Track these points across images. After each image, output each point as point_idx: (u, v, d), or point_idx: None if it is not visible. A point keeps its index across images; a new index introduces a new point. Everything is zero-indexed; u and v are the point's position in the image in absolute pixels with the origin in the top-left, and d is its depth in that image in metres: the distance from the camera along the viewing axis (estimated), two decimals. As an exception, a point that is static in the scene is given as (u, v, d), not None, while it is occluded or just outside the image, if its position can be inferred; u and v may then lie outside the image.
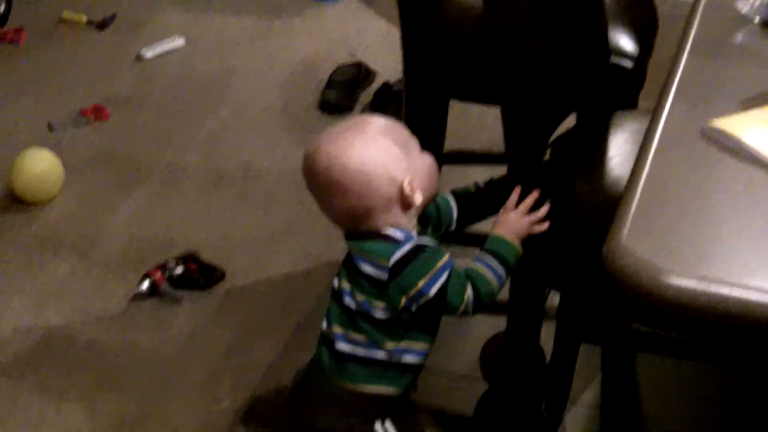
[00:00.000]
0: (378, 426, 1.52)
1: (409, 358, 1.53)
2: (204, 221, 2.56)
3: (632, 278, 1.07)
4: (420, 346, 1.54)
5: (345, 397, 1.52)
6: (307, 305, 2.24)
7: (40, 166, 2.61)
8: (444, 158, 2.35)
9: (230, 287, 2.34)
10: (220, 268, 2.37)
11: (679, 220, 1.15)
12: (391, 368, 1.51)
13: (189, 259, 2.37)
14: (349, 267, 1.52)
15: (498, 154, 2.35)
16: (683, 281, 1.05)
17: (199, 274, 2.35)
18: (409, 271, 1.44)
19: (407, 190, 1.47)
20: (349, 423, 1.52)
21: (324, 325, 1.56)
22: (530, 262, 1.56)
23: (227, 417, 1.99)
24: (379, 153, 1.47)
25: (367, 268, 1.47)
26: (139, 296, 2.30)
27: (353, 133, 1.49)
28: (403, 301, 1.45)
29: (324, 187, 1.48)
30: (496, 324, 2.11)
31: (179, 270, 2.34)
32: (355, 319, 1.50)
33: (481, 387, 2.01)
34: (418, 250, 1.45)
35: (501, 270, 1.48)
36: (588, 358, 2.05)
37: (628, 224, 1.13)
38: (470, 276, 1.47)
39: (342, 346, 1.51)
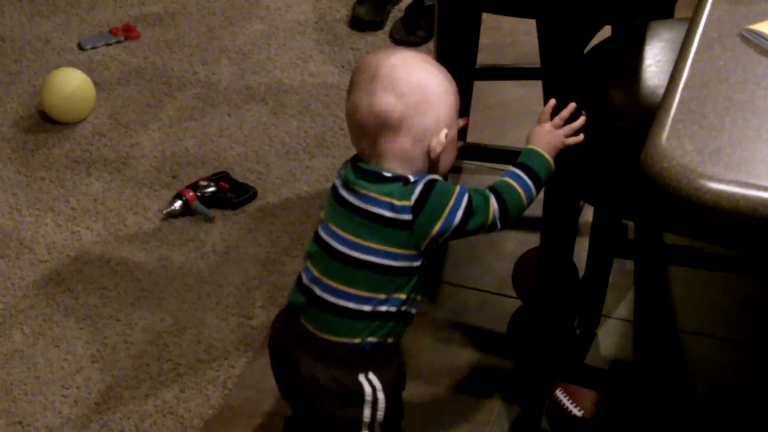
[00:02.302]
0: (362, 378, 1.45)
1: (407, 308, 1.47)
2: (236, 137, 2.54)
3: (671, 183, 1.04)
4: (419, 296, 1.49)
5: (328, 348, 1.46)
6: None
7: (72, 85, 2.60)
8: (476, 73, 2.32)
9: (262, 205, 2.34)
10: (251, 187, 2.37)
11: (719, 124, 1.12)
12: (384, 319, 1.45)
13: (221, 177, 2.37)
14: (352, 212, 1.44)
15: (530, 68, 2.33)
16: (723, 186, 1.03)
17: (231, 193, 2.35)
18: (432, 204, 1.40)
19: (442, 138, 1.43)
20: (332, 374, 1.45)
21: (305, 275, 1.48)
22: (564, 175, 1.52)
23: (260, 332, 2.00)
24: (442, 88, 1.44)
25: (385, 212, 1.41)
26: (172, 214, 2.30)
27: (427, 59, 1.47)
28: (430, 236, 1.40)
29: (376, 88, 1.42)
30: (529, 240, 2.11)
31: (211, 189, 2.34)
32: (352, 270, 1.43)
33: (514, 303, 2.01)
34: (431, 183, 1.41)
35: (531, 184, 1.45)
36: (621, 274, 2.05)
37: (667, 129, 1.10)
38: (498, 189, 1.44)
39: (330, 297, 1.45)
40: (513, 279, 2.00)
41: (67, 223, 2.31)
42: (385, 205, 1.41)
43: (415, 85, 1.42)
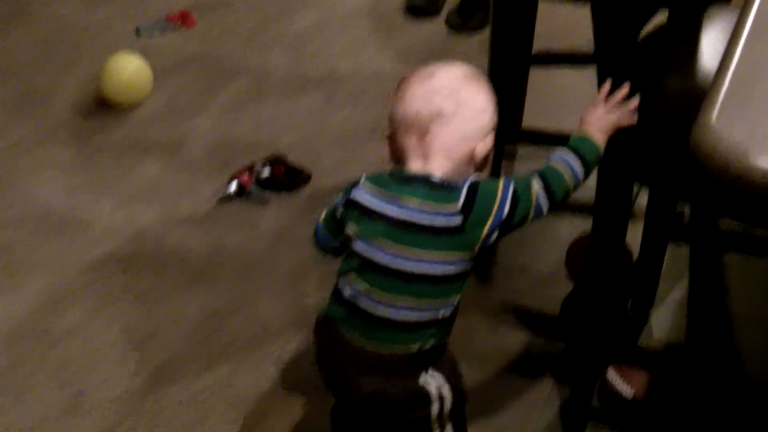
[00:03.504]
0: (423, 378, 1.45)
1: (455, 310, 1.47)
2: (290, 123, 2.57)
3: (720, 163, 1.04)
4: (461, 294, 1.47)
5: (385, 362, 1.44)
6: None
7: (129, 70, 2.64)
8: (532, 60, 2.32)
9: (316, 188, 2.37)
10: (306, 171, 2.39)
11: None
12: (443, 323, 1.45)
13: (276, 161, 2.40)
14: (396, 226, 1.42)
15: (586, 55, 2.32)
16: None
17: (286, 177, 2.38)
18: (479, 204, 1.39)
19: (489, 141, 1.46)
20: (397, 385, 1.45)
21: (347, 291, 1.46)
22: (618, 157, 1.53)
23: (315, 311, 2.01)
24: (489, 98, 1.48)
25: (435, 221, 1.40)
26: (227, 198, 2.34)
27: (475, 71, 1.50)
28: (483, 236, 1.40)
29: (433, 87, 1.45)
30: (582, 224, 2.10)
31: (266, 172, 2.37)
32: (409, 284, 1.41)
33: (567, 287, 2.02)
34: (475, 184, 1.41)
35: (578, 168, 1.45)
36: (675, 258, 2.04)
37: (716, 109, 1.09)
38: (541, 173, 1.44)
39: (384, 312, 1.42)
40: (566, 262, 2.01)
41: (123, 205, 2.35)
42: (433, 215, 1.40)
43: (474, 87, 1.46)
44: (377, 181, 1.47)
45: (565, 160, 1.45)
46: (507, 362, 1.91)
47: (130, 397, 1.88)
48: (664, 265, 1.97)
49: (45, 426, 1.83)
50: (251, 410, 1.84)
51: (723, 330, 1.92)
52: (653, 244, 1.85)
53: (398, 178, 1.45)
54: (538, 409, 1.81)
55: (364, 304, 1.44)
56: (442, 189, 1.41)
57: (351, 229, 1.47)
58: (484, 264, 2.11)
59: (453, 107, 1.43)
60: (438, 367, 1.47)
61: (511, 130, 2.31)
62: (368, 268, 1.44)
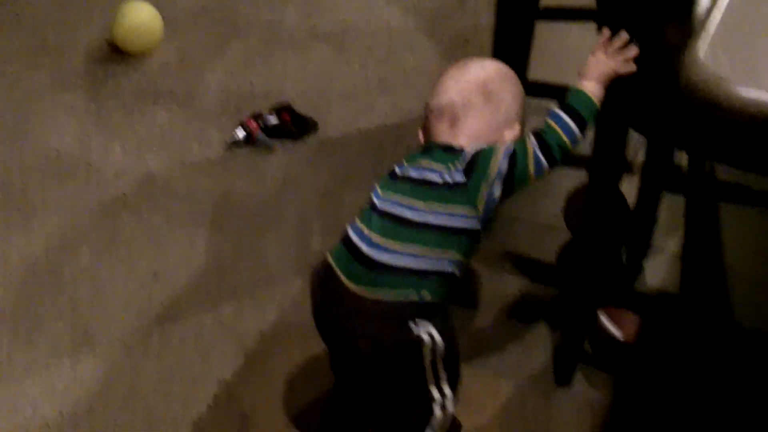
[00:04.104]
0: (414, 326, 1.49)
1: (456, 270, 1.52)
2: (299, 75, 2.61)
3: (705, 92, 1.08)
4: (465, 259, 1.53)
5: (381, 308, 1.49)
6: (398, 156, 2.27)
7: (141, 17, 2.68)
8: (538, 13, 2.35)
9: (323, 138, 2.40)
10: (313, 120, 2.43)
11: (755, 42, 1.15)
12: (440, 277, 1.50)
13: (283, 110, 2.44)
14: (412, 183, 1.53)
15: (592, 9, 2.34)
16: (754, 92, 1.06)
17: (293, 125, 2.41)
18: (481, 163, 1.50)
19: (516, 130, 1.57)
20: (391, 331, 1.49)
21: (354, 237, 1.52)
22: (615, 106, 1.56)
23: (317, 258, 2.05)
24: (518, 92, 1.61)
25: (441, 178, 1.51)
26: (235, 144, 2.38)
27: (506, 67, 1.64)
28: (484, 192, 1.48)
29: (469, 77, 1.58)
30: (582, 177, 2.13)
31: (274, 120, 2.41)
32: (415, 232, 1.49)
33: (565, 237, 2.06)
34: (480, 149, 1.52)
35: (572, 123, 1.50)
36: (672, 209, 2.08)
37: (704, 42, 1.13)
38: (540, 131, 1.51)
39: (388, 258, 1.48)
40: (564, 213, 2.04)
41: (134, 150, 2.40)
42: (441, 173, 1.51)
43: (504, 83, 1.59)
44: (409, 157, 1.59)
45: (561, 118, 1.51)
46: (504, 308, 1.95)
47: (136, 335, 1.93)
48: (660, 215, 2.01)
49: (55, 362, 1.89)
50: (253, 350, 1.89)
51: (716, 279, 1.95)
52: (649, 193, 1.89)
53: (423, 149, 1.58)
54: (533, 353, 1.85)
55: (366, 249, 1.50)
56: (453, 152, 1.54)
57: (376, 188, 1.58)
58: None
59: (483, 99, 1.56)
60: (432, 322, 1.51)
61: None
62: (377, 216, 1.52)
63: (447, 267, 1.50)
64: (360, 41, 2.72)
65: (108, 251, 2.13)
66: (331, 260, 1.54)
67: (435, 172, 1.52)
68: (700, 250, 2.00)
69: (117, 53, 2.70)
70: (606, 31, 1.57)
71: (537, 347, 1.86)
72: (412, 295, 1.48)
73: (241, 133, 2.38)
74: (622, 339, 1.77)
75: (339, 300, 1.51)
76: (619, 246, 1.93)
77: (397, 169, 1.58)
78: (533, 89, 2.33)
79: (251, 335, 1.92)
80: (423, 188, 1.52)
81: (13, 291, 2.04)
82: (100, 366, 1.87)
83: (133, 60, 2.67)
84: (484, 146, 1.53)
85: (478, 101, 1.56)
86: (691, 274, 1.96)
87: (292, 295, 1.99)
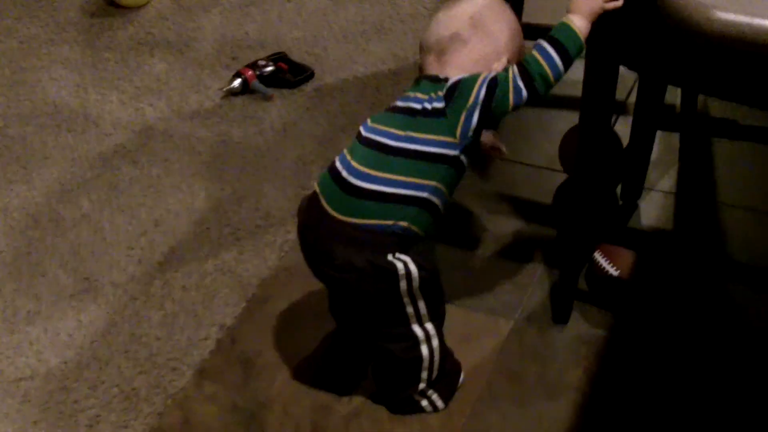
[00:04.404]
0: (390, 257, 1.52)
1: (438, 201, 1.55)
2: (295, 22, 2.62)
3: (684, 15, 1.13)
4: (451, 192, 1.56)
5: (359, 234, 1.52)
6: (393, 100, 2.29)
7: (136, -32, 2.69)
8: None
9: (320, 85, 2.42)
10: (309, 67, 2.44)
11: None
12: (417, 205, 1.52)
13: (280, 58, 2.45)
14: (397, 111, 1.56)
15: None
16: (730, 15, 1.10)
17: (289, 73, 2.43)
18: (461, 90, 1.51)
19: (504, 61, 1.57)
20: (365, 257, 1.52)
21: (338, 164, 1.56)
22: (603, 39, 1.56)
23: (315, 202, 2.08)
24: (514, 27, 1.62)
25: (422, 105, 1.53)
26: (232, 92, 2.39)
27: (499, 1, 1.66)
28: (462, 119, 1.50)
29: (457, 11, 1.61)
30: (576, 118, 2.15)
31: (270, 68, 2.42)
32: (392, 158, 1.52)
33: (561, 178, 2.08)
34: (460, 78, 1.54)
35: (557, 57, 1.50)
36: (667, 148, 2.09)
37: None
38: (523, 62, 1.52)
39: (366, 184, 1.51)
40: (559, 154, 2.06)
41: (132, 101, 2.41)
42: (422, 101, 1.54)
43: (493, 15, 1.60)
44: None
45: (544, 49, 1.52)
46: (500, 247, 1.98)
47: (137, 282, 1.96)
48: (655, 154, 2.02)
49: (56, 308, 1.91)
50: (253, 294, 1.92)
51: (710, 218, 1.97)
52: (642, 132, 1.90)
53: (414, 83, 1.60)
54: (529, 291, 1.87)
55: (347, 175, 1.53)
56: (436, 81, 1.55)
57: (367, 121, 1.60)
58: (482, 156, 2.17)
59: (470, 30, 1.58)
60: (408, 253, 1.54)
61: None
62: (361, 145, 1.56)
63: (427, 195, 1.52)
64: (355, -12, 2.72)
65: (108, 200, 2.15)
66: (317, 187, 1.58)
67: (418, 101, 1.54)
68: (694, 186, 2.02)
69: (112, 6, 2.71)
70: None
71: (533, 286, 1.88)
72: (390, 223, 1.51)
73: (237, 82, 2.39)
74: (616, 275, 1.79)
75: (320, 224, 1.55)
76: (613, 184, 1.95)
77: (392, 104, 1.61)
78: (527, 32, 2.35)
79: (252, 280, 1.94)
80: (403, 116, 1.55)
81: (16, 240, 2.07)
82: (102, 313, 1.90)
83: (128, 12, 2.68)
84: (467, 75, 1.54)
85: (465, 33, 1.58)
86: (685, 211, 1.98)
87: (291, 239, 2.01)
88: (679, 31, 1.11)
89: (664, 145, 2.07)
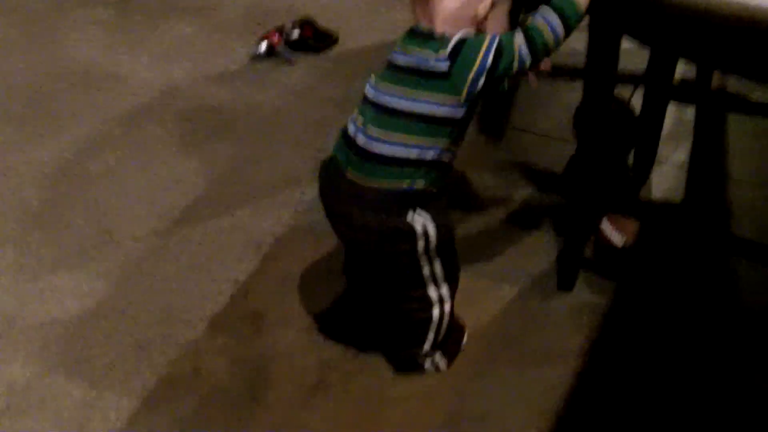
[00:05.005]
0: (410, 215, 1.57)
1: (447, 158, 1.58)
2: (320, -11, 2.67)
3: None
4: (457, 148, 1.58)
5: (375, 196, 1.56)
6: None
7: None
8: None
9: (342, 50, 2.46)
10: (334, 33, 2.48)
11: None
12: (428, 166, 1.55)
13: (305, 24, 2.49)
14: (398, 71, 1.56)
15: None
16: None
17: (314, 39, 2.47)
18: (465, 52, 1.51)
19: (487, 3, 1.53)
20: (382, 219, 1.56)
21: (351, 128, 1.60)
22: (606, 10, 1.57)
23: (331, 164, 2.13)
24: None
25: (426, 64, 1.53)
26: (257, 57, 2.44)
27: None
28: (468, 82, 1.50)
29: None
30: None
31: (295, 34, 2.47)
32: (400, 121, 1.55)
33: (573, 147, 2.10)
34: (464, 38, 1.52)
35: (558, 25, 1.52)
36: (680, 121, 2.11)
37: None
38: (527, 29, 1.52)
39: (378, 147, 1.55)
40: (573, 124, 2.08)
41: (159, 62, 2.47)
42: (426, 60, 1.52)
43: None
44: (401, 38, 1.59)
45: (545, 18, 1.53)
46: (510, 215, 2.01)
47: (155, 236, 2.01)
48: (669, 128, 2.04)
49: (78, 259, 1.97)
50: (266, 251, 1.97)
51: (719, 191, 1.99)
52: (653, 102, 1.92)
53: (410, 33, 1.58)
54: (535, 258, 1.91)
55: (361, 140, 1.56)
56: (438, 40, 1.53)
57: (372, 77, 1.60)
58: (496, 125, 2.20)
59: None
60: (426, 209, 1.57)
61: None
62: (369, 106, 1.58)
63: (436, 155, 1.55)
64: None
65: (133, 157, 2.21)
66: (333, 150, 1.62)
67: (421, 60, 1.54)
68: (706, 161, 2.04)
69: (144, -31, 2.77)
70: None
71: (540, 253, 1.91)
72: (404, 184, 1.54)
73: (263, 47, 2.44)
74: (621, 244, 1.82)
75: (338, 187, 1.59)
76: (623, 154, 1.98)
77: (391, 56, 1.59)
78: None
79: (266, 237, 1.99)
80: (408, 76, 1.55)
81: (43, 191, 2.13)
82: (121, 265, 1.95)
83: (160, -26, 2.74)
84: (470, 36, 1.53)
85: None
86: (695, 185, 2.00)
87: (304, 201, 2.06)
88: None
89: (677, 119, 2.09)
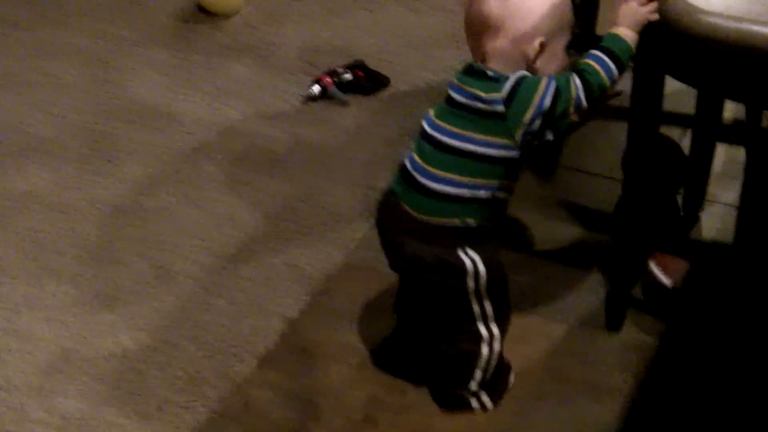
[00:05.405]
0: (460, 252, 1.59)
1: (503, 195, 1.60)
2: (374, 31, 2.72)
3: (675, 16, 1.42)
4: (514, 184, 1.60)
5: (428, 229, 1.59)
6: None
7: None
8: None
9: (394, 91, 2.50)
10: (385, 76, 2.53)
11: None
12: (481, 204, 1.58)
13: (357, 66, 2.54)
14: (454, 107, 1.58)
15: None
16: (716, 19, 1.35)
17: (366, 81, 2.52)
18: (522, 94, 1.52)
19: (535, 45, 1.55)
20: (434, 252, 1.59)
21: (408, 161, 1.63)
22: (649, 48, 1.59)
23: (382, 203, 2.16)
24: (543, 4, 1.56)
25: (481, 105, 1.54)
26: (310, 98, 2.49)
27: None
28: (523, 124, 1.52)
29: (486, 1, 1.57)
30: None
31: (348, 76, 2.51)
32: (453, 158, 1.57)
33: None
34: (521, 77, 1.54)
35: (612, 65, 1.54)
36: (732, 160, 2.11)
37: None
38: (580, 69, 1.54)
39: (431, 183, 1.58)
40: (622, 164, 2.09)
41: (214, 102, 2.52)
42: (481, 99, 1.55)
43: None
44: (458, 73, 1.62)
45: (600, 59, 1.55)
46: (559, 254, 2.03)
47: (208, 272, 2.05)
48: (719, 167, 2.04)
49: (133, 294, 2.01)
50: (316, 288, 1.99)
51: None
52: (701, 142, 1.93)
53: (468, 69, 1.61)
54: (584, 297, 1.92)
55: (415, 173, 1.60)
56: (492, 80, 1.56)
57: (431, 111, 1.63)
58: (546, 164, 2.22)
59: (497, 16, 1.55)
60: (477, 248, 1.60)
61: (586, 38, 2.38)
62: (424, 141, 1.61)
63: (490, 194, 1.57)
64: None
65: (187, 195, 2.25)
66: (393, 181, 1.66)
67: (476, 99, 1.55)
68: (757, 200, 2.03)
69: (203, 13, 2.84)
70: None
71: (589, 291, 1.92)
72: (457, 221, 1.57)
73: (316, 88, 2.49)
74: (670, 285, 1.82)
75: (394, 217, 1.64)
76: (671, 193, 1.98)
77: (448, 90, 1.61)
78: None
79: (316, 275, 2.02)
80: (463, 113, 1.57)
81: (101, 228, 2.17)
82: (174, 300, 1.99)
83: (218, 19, 2.81)
84: (526, 76, 1.54)
85: (496, 14, 1.55)
86: (746, 225, 1.99)
87: (355, 239, 2.09)
88: (669, 26, 1.23)
89: (728, 158, 2.09)
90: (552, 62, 1.58)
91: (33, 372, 1.84)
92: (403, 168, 1.64)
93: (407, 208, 1.61)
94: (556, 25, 1.57)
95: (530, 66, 1.57)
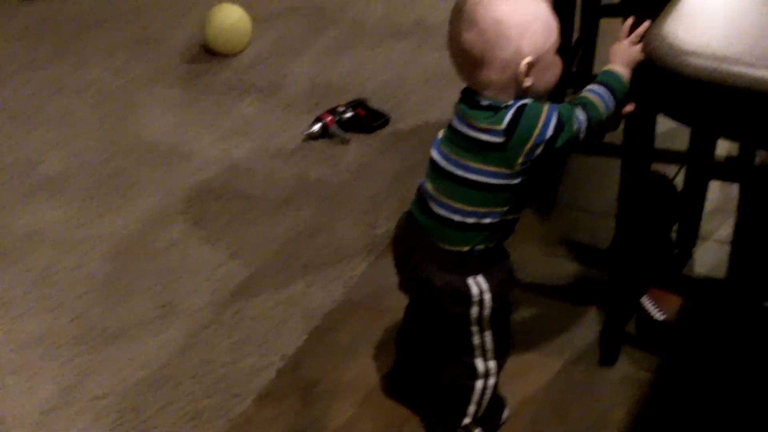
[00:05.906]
0: (470, 280, 1.61)
1: (509, 218, 1.62)
2: (378, 69, 2.78)
3: (661, 57, 1.46)
4: (520, 207, 1.62)
5: (441, 255, 1.62)
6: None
7: (231, 19, 2.87)
8: (602, 11, 2.43)
9: (396, 129, 2.54)
10: (386, 114, 2.57)
11: (712, 23, 1.47)
12: (489, 230, 1.60)
13: (359, 105, 2.59)
14: (455, 135, 1.59)
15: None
16: (701, 60, 1.42)
17: (367, 119, 2.56)
18: (523, 126, 1.52)
19: (522, 68, 1.52)
20: (444, 277, 1.61)
21: (424, 189, 1.65)
22: (641, 86, 1.61)
23: (383, 239, 2.19)
24: (524, 18, 1.53)
25: (480, 136, 1.55)
26: (312, 136, 2.54)
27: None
28: (523, 155, 1.52)
29: (461, 26, 1.54)
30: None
31: (349, 114, 2.56)
32: (458, 187, 1.59)
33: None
34: (522, 107, 1.53)
35: (610, 100, 1.56)
36: (726, 197, 2.14)
37: (667, 19, 1.44)
38: (583, 104, 1.56)
39: (441, 211, 1.60)
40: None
41: (221, 141, 2.57)
42: (480, 130, 1.55)
43: (492, 20, 1.51)
44: (459, 101, 1.61)
45: (598, 93, 1.57)
46: (555, 290, 2.05)
47: (213, 308, 2.09)
48: (713, 203, 2.06)
49: (138, 328, 2.05)
50: (317, 325, 2.02)
51: (763, 267, 2.00)
52: (694, 179, 1.95)
53: (465, 95, 1.59)
54: (580, 332, 1.94)
55: (430, 201, 1.63)
56: (490, 110, 1.54)
57: (439, 135, 1.65)
58: (544, 201, 2.25)
59: (479, 50, 1.51)
60: (487, 276, 1.62)
61: (582, 76, 2.42)
62: (434, 171, 1.63)
63: (496, 219, 1.59)
64: (437, 35, 2.79)
65: (194, 232, 2.30)
66: (411, 203, 1.68)
67: (474, 129, 1.55)
68: (750, 236, 2.05)
69: (208, 52, 2.91)
70: (630, 19, 1.63)
71: (585, 326, 1.94)
72: (465, 247, 1.60)
73: (317, 127, 2.53)
74: (662, 319, 1.84)
75: (410, 237, 1.67)
76: (665, 230, 2.00)
77: (452, 117, 1.61)
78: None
79: (317, 312, 2.05)
80: (463, 142, 1.57)
81: (108, 264, 2.22)
82: (177, 337, 2.02)
83: (224, 58, 2.88)
84: (526, 104, 1.53)
85: (476, 51, 1.52)
86: (740, 261, 2.01)
87: (357, 274, 2.12)
88: (654, 66, 1.32)
89: (722, 195, 2.11)
90: (546, 73, 1.56)
91: (33, 408, 1.89)
92: (419, 191, 1.67)
93: (422, 230, 1.64)
94: (540, 40, 1.53)
95: (526, 89, 1.54)
